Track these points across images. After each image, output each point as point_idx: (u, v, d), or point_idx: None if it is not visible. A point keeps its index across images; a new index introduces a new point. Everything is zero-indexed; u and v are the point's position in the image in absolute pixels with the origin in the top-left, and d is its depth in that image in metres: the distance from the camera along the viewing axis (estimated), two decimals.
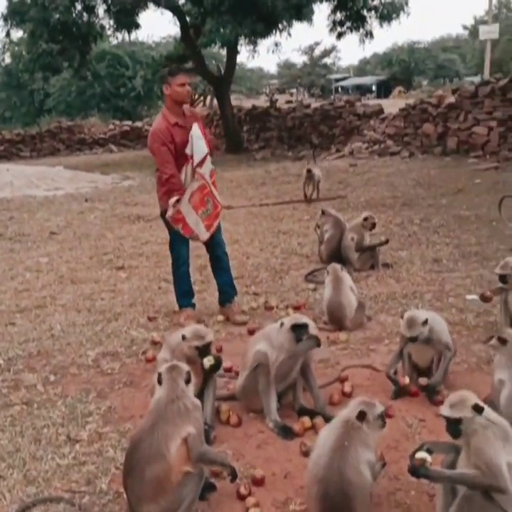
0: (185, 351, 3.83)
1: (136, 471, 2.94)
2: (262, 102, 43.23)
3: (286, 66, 74.14)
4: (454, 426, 2.72)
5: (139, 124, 30.28)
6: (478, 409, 2.69)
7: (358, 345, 5.09)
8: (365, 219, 7.25)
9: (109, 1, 21.34)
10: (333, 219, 7.63)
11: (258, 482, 3.29)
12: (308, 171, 11.80)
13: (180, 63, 24.05)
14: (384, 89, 61.80)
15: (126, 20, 21.46)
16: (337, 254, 7.29)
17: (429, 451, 2.80)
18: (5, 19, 20.98)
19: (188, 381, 3.15)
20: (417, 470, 2.75)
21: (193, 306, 5.97)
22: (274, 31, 19.96)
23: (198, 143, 5.53)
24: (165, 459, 2.90)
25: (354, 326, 5.40)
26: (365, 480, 2.86)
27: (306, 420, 3.82)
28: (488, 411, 2.75)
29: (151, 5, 21.45)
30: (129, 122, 30.73)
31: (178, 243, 5.79)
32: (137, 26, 22.14)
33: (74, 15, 20.94)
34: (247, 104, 27.84)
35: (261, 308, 6.04)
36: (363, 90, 65.40)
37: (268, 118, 23.49)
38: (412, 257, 7.51)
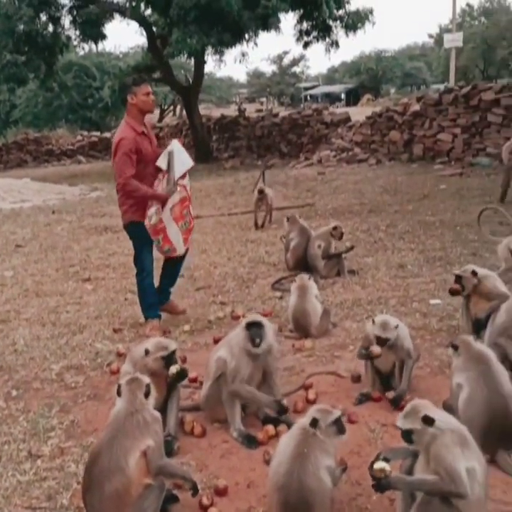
0: (150, 365, 3.80)
1: (95, 486, 2.91)
2: (232, 111, 43.24)
3: (256, 75, 74.56)
4: (407, 436, 2.78)
5: (107, 134, 30.13)
6: (427, 421, 2.72)
7: (323, 352, 5.12)
8: (335, 228, 7.30)
9: (75, 12, 21.28)
10: (298, 227, 7.68)
11: (221, 492, 3.28)
12: (260, 191, 10.27)
13: (147, 73, 24.06)
14: (353, 97, 62.53)
15: (92, 31, 21.40)
16: (303, 262, 7.35)
17: (387, 460, 2.82)
18: None
19: (147, 394, 3.13)
20: (381, 486, 2.76)
21: (159, 317, 5.95)
22: (240, 41, 20.05)
23: (181, 156, 5.66)
24: (124, 473, 2.88)
25: (319, 333, 5.42)
26: (325, 486, 2.88)
27: (270, 429, 3.82)
28: (443, 419, 2.79)
29: (117, 16, 21.45)
30: (98, 133, 30.60)
31: (144, 255, 5.78)
32: (103, 37, 22.10)
33: (39, 25, 20.80)
34: (217, 113, 27.87)
35: (228, 318, 6.04)
36: (332, 98, 66.08)
37: (237, 127, 23.57)
38: (377, 263, 7.58)
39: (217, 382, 3.94)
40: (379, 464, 2.78)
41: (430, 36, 61.09)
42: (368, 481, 3.26)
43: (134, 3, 19.30)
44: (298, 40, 21.63)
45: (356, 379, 4.50)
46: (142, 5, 19.52)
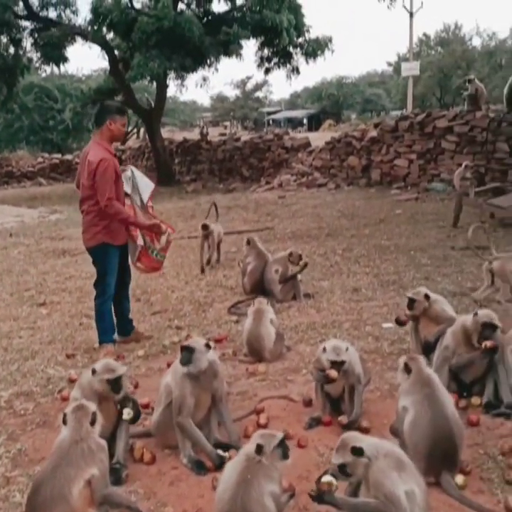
0: (95, 387, 3.78)
1: None
2: (196, 134, 43.45)
3: (219, 99, 75.14)
4: (342, 470, 2.82)
5: (68, 157, 29.92)
6: (356, 452, 2.77)
7: (277, 376, 5.15)
8: (290, 254, 7.39)
9: (36, 35, 21.24)
10: (256, 250, 7.74)
11: None
12: (205, 226, 9.00)
13: (109, 96, 24.10)
14: (315, 122, 63.43)
15: (54, 54, 21.38)
16: (260, 286, 7.40)
17: (335, 476, 2.86)
18: None
19: (93, 422, 3.11)
20: (322, 496, 2.79)
21: (114, 342, 5.92)
22: (202, 66, 20.28)
23: (143, 179, 6.04)
24: (67, 502, 2.85)
25: (273, 357, 5.46)
26: None
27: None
28: (374, 446, 2.84)
29: (79, 39, 21.47)
30: (59, 155, 30.31)
31: (109, 279, 5.77)
32: (65, 60, 22.09)
33: (0, 47, 20.69)
34: (181, 136, 27.99)
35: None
36: (294, 123, 66.94)
37: (199, 151, 23.68)
38: (333, 287, 7.68)
39: (168, 408, 3.93)
40: (327, 478, 2.82)
41: (389, 64, 62.51)
42: (315, 506, 3.29)
43: (95, 27, 19.36)
44: (259, 66, 22.02)
45: (308, 403, 4.54)
46: (104, 29, 19.61)
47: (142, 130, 40.53)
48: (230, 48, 19.03)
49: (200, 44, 18.12)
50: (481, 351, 4.26)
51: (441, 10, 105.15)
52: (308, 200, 15.77)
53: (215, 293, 7.82)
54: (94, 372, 3.80)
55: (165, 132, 24.95)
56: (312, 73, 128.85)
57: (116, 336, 6.11)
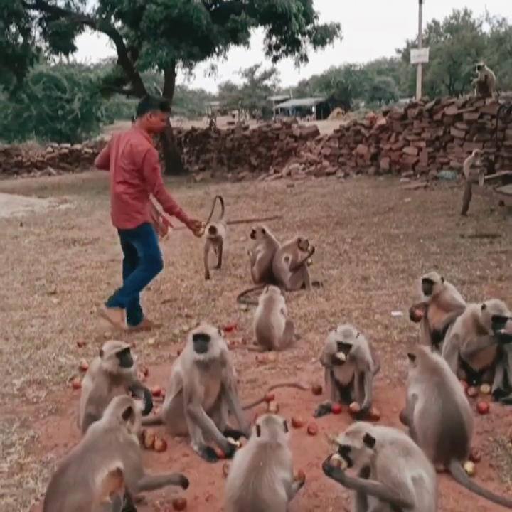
0: (105, 367, 3.85)
1: (58, 496, 2.90)
2: (204, 123, 43.37)
3: (228, 88, 74.91)
4: (344, 453, 2.81)
5: (77, 146, 29.91)
6: (368, 441, 2.78)
7: (286, 364, 5.18)
8: (299, 241, 7.40)
9: (45, 24, 21.22)
10: (266, 240, 7.75)
11: (179, 506, 3.30)
12: (213, 229, 8.27)
13: (118, 85, 24.10)
14: (323, 111, 63.13)
15: (62, 43, 21.33)
16: (269, 275, 7.41)
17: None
18: None
19: (126, 416, 3.15)
20: (332, 470, 2.81)
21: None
22: (210, 54, 20.20)
23: None
24: (88, 488, 2.88)
25: (282, 345, 5.48)
26: (280, 499, 2.91)
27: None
28: (385, 432, 2.86)
29: (87, 28, 21.43)
30: (68, 145, 30.31)
31: (158, 252, 6.15)
32: (74, 49, 22.03)
33: (8, 37, 20.68)
34: (189, 125, 27.94)
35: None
36: (303, 111, 66.66)
37: (208, 140, 23.65)
38: (342, 275, 7.69)
39: (178, 396, 3.96)
40: (337, 456, 2.83)
41: (398, 51, 61.97)
42: (325, 493, 3.34)
43: (103, 16, 19.31)
44: (267, 54, 21.89)
45: (317, 391, 4.56)
46: (112, 17, 19.57)
47: None
48: (238, 35, 18.89)
49: (208, 32, 18.04)
50: (497, 338, 4.24)
51: None
52: (317, 188, 15.74)
53: (225, 282, 7.85)
54: (101, 353, 3.87)
55: (173, 121, 24.93)
56: (320, 61, 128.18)
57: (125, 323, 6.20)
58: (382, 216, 11.30)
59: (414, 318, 5.17)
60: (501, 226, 9.70)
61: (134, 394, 3.95)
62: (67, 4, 21.69)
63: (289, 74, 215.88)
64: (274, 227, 10.87)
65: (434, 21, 54.42)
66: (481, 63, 15.54)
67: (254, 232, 7.88)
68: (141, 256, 6.13)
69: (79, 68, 43.12)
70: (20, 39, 21.36)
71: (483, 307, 4.34)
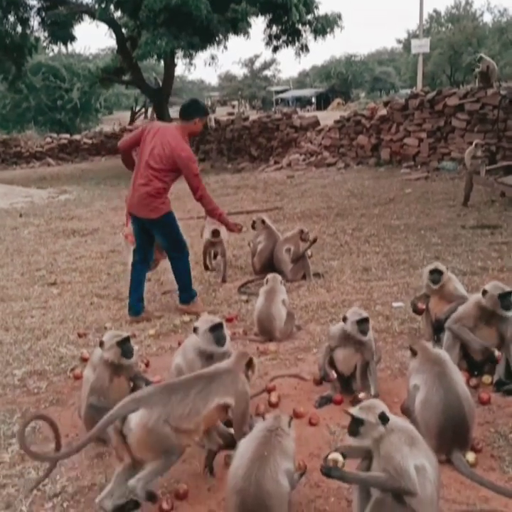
0: (106, 357, 3.85)
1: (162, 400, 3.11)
2: None
3: (227, 78, 74.62)
4: (355, 426, 2.82)
5: (77, 137, 29.82)
6: (383, 419, 2.78)
7: (287, 355, 5.17)
8: (301, 232, 7.39)
9: (43, 13, 21.11)
10: (266, 230, 7.73)
11: (181, 496, 3.31)
12: (215, 233, 7.69)
13: (117, 75, 24.00)
14: (323, 101, 62.94)
15: (61, 33, 21.25)
16: (269, 266, 7.39)
17: (343, 455, 2.88)
18: None
19: (248, 365, 3.44)
20: (329, 470, 2.82)
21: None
22: (210, 44, 20.10)
23: None
24: (198, 415, 3.17)
25: (283, 336, 5.48)
26: (283, 490, 2.91)
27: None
28: (394, 419, 2.86)
29: (86, 17, 21.32)
30: (67, 135, 30.22)
31: (182, 237, 6.37)
32: (73, 38, 21.96)
33: (7, 26, 20.58)
34: None
35: (193, 322, 6.02)
36: (303, 102, 66.44)
37: (207, 130, 23.56)
38: (342, 266, 7.67)
39: None
40: (333, 455, 2.86)
41: (399, 41, 61.73)
42: (327, 483, 3.34)
43: (102, 5, 19.20)
44: (267, 44, 21.79)
45: (318, 382, 4.56)
46: (111, 7, 19.46)
47: (150, 110, 40.33)
48: (239, 25, 18.81)
49: (208, 22, 17.95)
50: (482, 349, 4.30)
51: None
52: (317, 179, 15.70)
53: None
54: (102, 344, 3.86)
55: (173, 112, 24.76)
56: (321, 51, 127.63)
57: (128, 315, 6.21)
58: (383, 207, 11.27)
59: (416, 311, 5.16)
60: (502, 217, 9.68)
61: (135, 384, 3.95)
62: None
63: (289, 64, 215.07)
64: (275, 218, 10.83)
65: (435, 11, 54.28)
66: (481, 55, 15.46)
67: (254, 222, 7.85)
68: (165, 245, 6.27)
69: (78, 58, 42.98)
70: (19, 29, 21.29)
71: (484, 292, 4.34)
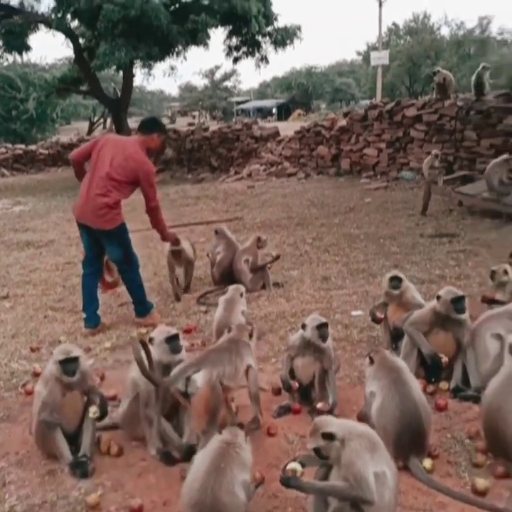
0: (53, 372, 3.74)
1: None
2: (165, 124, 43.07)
3: (188, 89, 74.53)
4: (318, 454, 2.81)
5: (32, 147, 29.25)
6: (327, 437, 2.76)
7: None
8: (258, 240, 7.38)
9: None
10: (225, 240, 7.68)
11: (136, 511, 3.21)
12: (174, 251, 7.25)
13: (74, 86, 23.71)
14: (284, 112, 63.35)
15: (16, 42, 20.84)
16: (229, 276, 7.34)
17: (302, 464, 2.85)
18: None
19: (251, 335, 4.13)
20: (288, 480, 2.79)
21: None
22: (169, 55, 20.02)
23: None
24: (239, 374, 3.85)
25: None
26: (240, 501, 2.87)
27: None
28: (346, 427, 2.83)
29: (42, 27, 21.00)
30: (22, 146, 29.64)
31: (133, 250, 6.29)
32: (28, 48, 21.55)
33: None
34: None
35: (149, 333, 5.94)
36: (264, 113, 66.76)
37: (167, 141, 23.40)
38: (302, 276, 7.67)
39: (135, 400, 3.87)
40: (292, 465, 2.85)
41: (358, 54, 62.61)
42: (285, 493, 3.30)
43: (59, 15, 18.93)
44: (228, 55, 21.78)
45: (277, 392, 4.52)
46: (68, 16, 19.20)
47: (109, 120, 39.93)
48: (198, 36, 18.76)
49: (168, 33, 17.87)
50: (429, 357, 4.35)
51: None
52: (278, 189, 15.73)
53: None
54: (53, 358, 3.77)
55: (132, 122, 24.56)
56: (281, 62, 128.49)
57: (83, 327, 6.08)
58: (343, 216, 11.34)
59: (375, 320, 5.17)
60: (460, 226, 9.83)
61: (89, 399, 3.84)
62: (21, 3, 21.16)
63: (249, 75, 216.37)
64: (235, 228, 10.81)
65: (394, 24, 55.24)
66: (438, 68, 15.75)
67: (217, 231, 7.83)
68: (117, 258, 6.16)
69: (34, 68, 42.23)
70: None
71: (438, 297, 4.41)
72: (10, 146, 29.74)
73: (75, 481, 3.55)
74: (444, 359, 4.30)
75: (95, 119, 49.42)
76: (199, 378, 3.59)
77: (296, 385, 4.25)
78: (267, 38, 20.85)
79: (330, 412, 4.00)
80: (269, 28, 20.54)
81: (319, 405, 4.07)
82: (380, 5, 32.95)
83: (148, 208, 6.11)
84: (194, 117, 66.82)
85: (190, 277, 7.50)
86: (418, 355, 4.44)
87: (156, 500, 3.34)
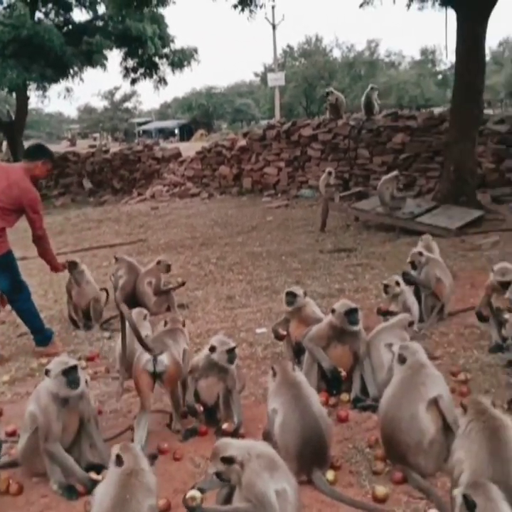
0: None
1: None
2: (64, 147, 42.06)
3: (87, 110, 73.22)
4: (220, 477, 2.84)
5: None
6: (226, 461, 2.80)
7: None
8: (158, 262, 7.36)
9: None
10: (126, 264, 7.61)
11: None
12: (73, 264, 7.01)
13: None
14: (186, 132, 63.45)
15: None
16: (133, 300, 7.25)
17: (201, 490, 2.86)
18: None
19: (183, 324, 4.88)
20: (193, 510, 2.79)
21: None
22: (65, 77, 19.66)
23: None
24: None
25: None
26: None
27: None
28: (245, 448, 2.87)
29: None
30: None
31: (22, 278, 6.11)
32: None
33: None
34: None
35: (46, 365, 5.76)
36: (166, 133, 66.57)
37: (67, 163, 22.88)
38: (207, 296, 7.70)
39: (34, 434, 3.74)
40: (190, 493, 2.84)
41: (256, 75, 64.00)
42: None
43: None
44: (125, 76, 21.69)
45: (183, 415, 4.50)
46: None
47: (4, 143, 38.45)
48: (94, 58, 18.60)
49: (62, 54, 17.59)
50: (327, 370, 4.50)
51: (303, 22, 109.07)
52: (182, 210, 15.74)
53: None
54: None
55: (29, 145, 23.90)
56: (182, 83, 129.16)
57: None
58: (246, 235, 11.50)
59: (278, 337, 5.27)
60: (357, 240, 10.22)
61: None
62: None
63: (150, 96, 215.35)
64: (139, 250, 10.74)
65: (288, 46, 56.82)
66: (330, 89, 16.43)
67: (116, 259, 7.76)
68: (5, 287, 5.93)
69: None
70: None
71: (333, 311, 4.57)
72: None
73: None
74: (343, 373, 4.46)
75: None
76: (164, 358, 4.13)
77: (201, 408, 4.26)
78: (164, 59, 20.96)
79: (235, 431, 4.05)
80: (166, 50, 20.68)
81: (224, 426, 4.09)
82: (274, 28, 33.80)
83: (35, 237, 5.99)
84: (95, 139, 65.60)
85: (99, 314, 7.07)
86: (319, 370, 4.58)
87: None
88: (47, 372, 3.73)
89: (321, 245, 10.03)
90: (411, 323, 4.74)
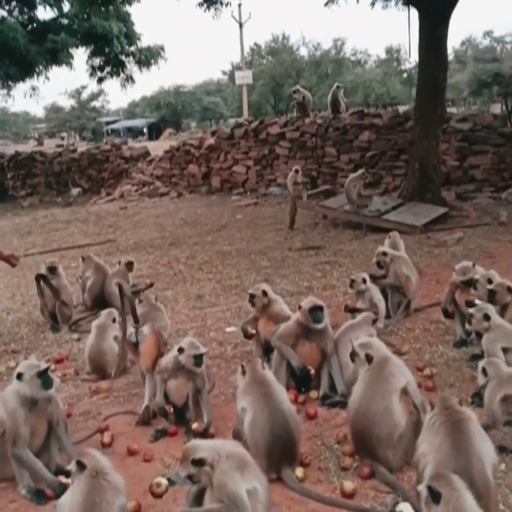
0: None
1: None
2: (30, 146, 41.41)
3: (54, 110, 72.15)
4: (191, 479, 2.87)
5: None
6: (197, 464, 2.83)
7: (121, 391, 5.07)
8: (119, 262, 7.38)
9: None
10: (94, 265, 7.57)
11: None
12: (52, 269, 6.86)
13: None
14: (155, 131, 63.00)
15: None
16: (102, 301, 7.22)
17: (171, 481, 2.88)
18: None
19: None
20: (157, 496, 2.81)
21: None
22: (30, 75, 19.35)
23: None
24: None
25: (116, 372, 5.35)
26: None
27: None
28: (214, 449, 2.89)
29: None
30: None
31: None
32: None
33: None
34: (13, 149, 26.49)
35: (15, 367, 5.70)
36: (134, 132, 66.01)
37: (34, 163, 22.57)
38: (177, 295, 7.70)
39: (1, 438, 3.70)
40: (157, 479, 2.85)
41: (224, 73, 63.77)
42: None
43: None
44: (91, 75, 21.37)
45: (153, 415, 4.50)
46: None
47: None
48: (59, 56, 18.29)
49: (26, 52, 17.27)
50: (298, 370, 4.55)
51: (269, 20, 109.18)
52: (151, 209, 15.65)
53: None
54: None
55: None
56: (149, 82, 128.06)
57: None
58: (216, 234, 11.50)
59: (247, 335, 5.30)
60: (325, 238, 10.30)
61: None
62: None
63: (118, 95, 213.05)
64: (108, 251, 10.67)
65: (256, 44, 56.61)
66: (297, 87, 16.49)
67: (83, 258, 7.70)
68: None
69: None
70: None
71: (299, 308, 4.63)
72: None
73: None
74: (312, 371, 4.51)
75: None
76: (145, 329, 4.94)
77: (171, 409, 4.26)
78: (131, 57, 20.73)
79: (205, 431, 4.07)
80: (133, 48, 20.44)
81: (194, 425, 4.11)
82: (241, 26, 33.81)
83: None
84: (63, 139, 64.70)
85: (68, 318, 6.96)
86: (288, 368, 4.62)
87: None
88: (19, 376, 3.69)
89: (290, 243, 10.09)
90: (374, 321, 4.83)
